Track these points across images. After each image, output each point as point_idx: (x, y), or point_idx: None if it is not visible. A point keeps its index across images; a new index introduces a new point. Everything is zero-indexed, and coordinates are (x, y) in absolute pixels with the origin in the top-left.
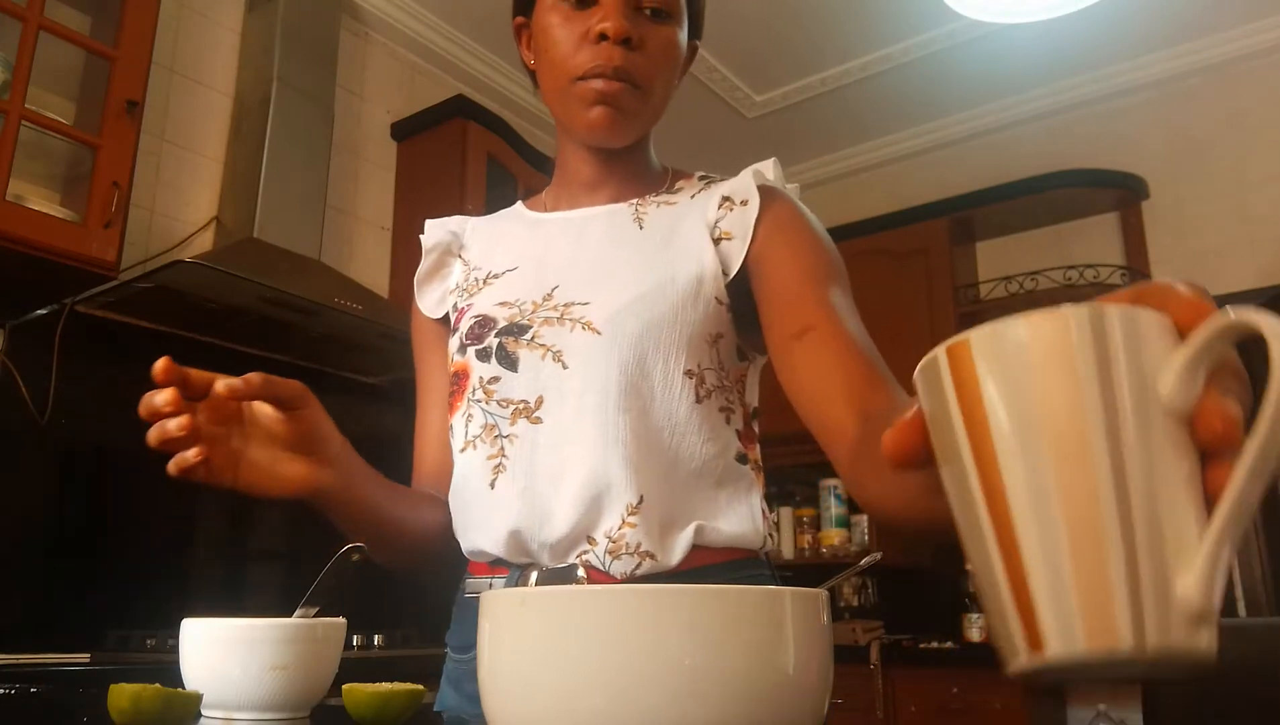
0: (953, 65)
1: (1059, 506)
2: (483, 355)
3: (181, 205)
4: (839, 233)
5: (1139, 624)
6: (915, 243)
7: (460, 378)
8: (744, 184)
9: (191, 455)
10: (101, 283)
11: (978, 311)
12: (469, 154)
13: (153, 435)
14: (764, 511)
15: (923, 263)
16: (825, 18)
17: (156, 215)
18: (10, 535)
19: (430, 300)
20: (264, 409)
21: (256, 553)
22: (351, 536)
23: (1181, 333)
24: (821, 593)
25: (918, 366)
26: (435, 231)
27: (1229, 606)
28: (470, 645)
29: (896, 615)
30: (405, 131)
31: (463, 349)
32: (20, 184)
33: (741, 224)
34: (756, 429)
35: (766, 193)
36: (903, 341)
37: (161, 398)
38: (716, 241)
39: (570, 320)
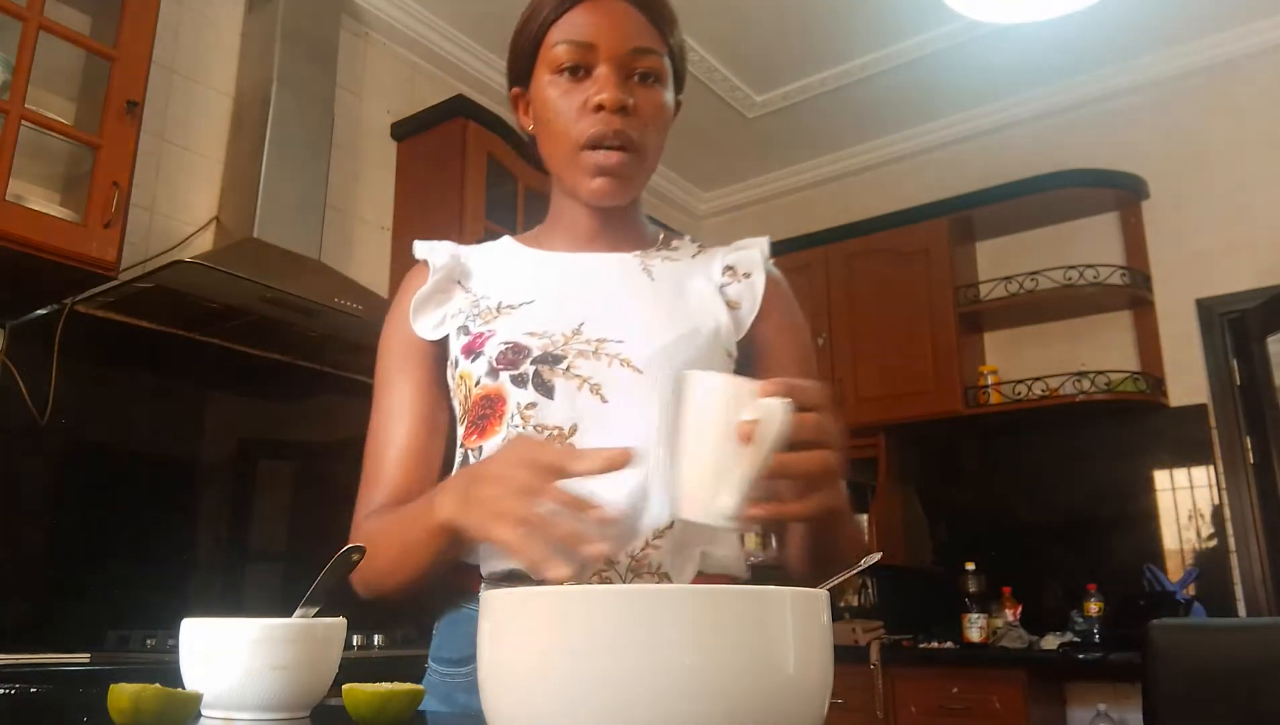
0: (953, 65)
1: (703, 452)
2: (519, 381)
3: (181, 205)
4: (839, 232)
5: (709, 510)
6: (915, 243)
7: (495, 402)
8: (749, 258)
9: None
10: (101, 283)
11: (978, 311)
12: (469, 154)
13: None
14: (742, 539)
15: (923, 263)
16: (825, 18)
17: (156, 215)
18: (10, 535)
19: (429, 321)
20: None
21: (256, 553)
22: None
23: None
24: (821, 593)
25: (679, 376)
26: (437, 254)
27: (1229, 606)
28: (469, 658)
29: (896, 615)
30: (405, 131)
31: (494, 373)
32: (20, 184)
33: (750, 296)
34: None
35: (769, 272)
36: (903, 341)
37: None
38: (726, 306)
39: (606, 356)
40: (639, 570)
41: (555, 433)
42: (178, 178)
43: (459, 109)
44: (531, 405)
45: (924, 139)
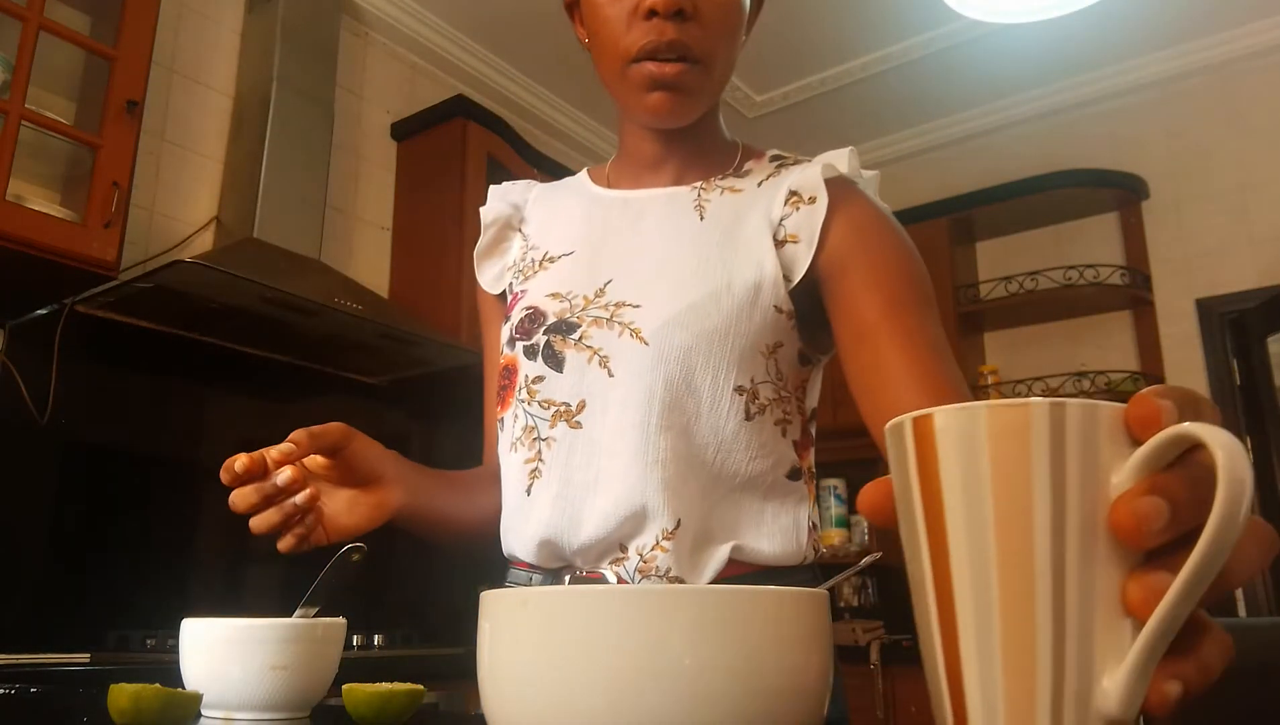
0: (953, 65)
1: (997, 606)
2: (530, 352)
3: (181, 205)
4: None
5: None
6: (915, 243)
7: (511, 373)
8: (812, 179)
9: (310, 522)
10: (101, 283)
11: (978, 311)
12: (469, 154)
13: (271, 519)
14: (810, 525)
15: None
16: (825, 18)
17: (156, 215)
18: (10, 535)
19: (489, 275)
20: (315, 460)
21: (256, 553)
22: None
23: (1139, 439)
24: (821, 593)
25: (887, 426)
26: (496, 204)
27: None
28: None
29: (896, 615)
30: (405, 131)
31: (512, 342)
32: (20, 184)
33: (808, 226)
34: (814, 431)
35: (838, 189)
36: None
37: (283, 476)
38: (781, 243)
39: (619, 324)
40: (647, 573)
41: (562, 409)
42: (178, 178)
43: (459, 109)
44: (539, 379)
45: (924, 139)
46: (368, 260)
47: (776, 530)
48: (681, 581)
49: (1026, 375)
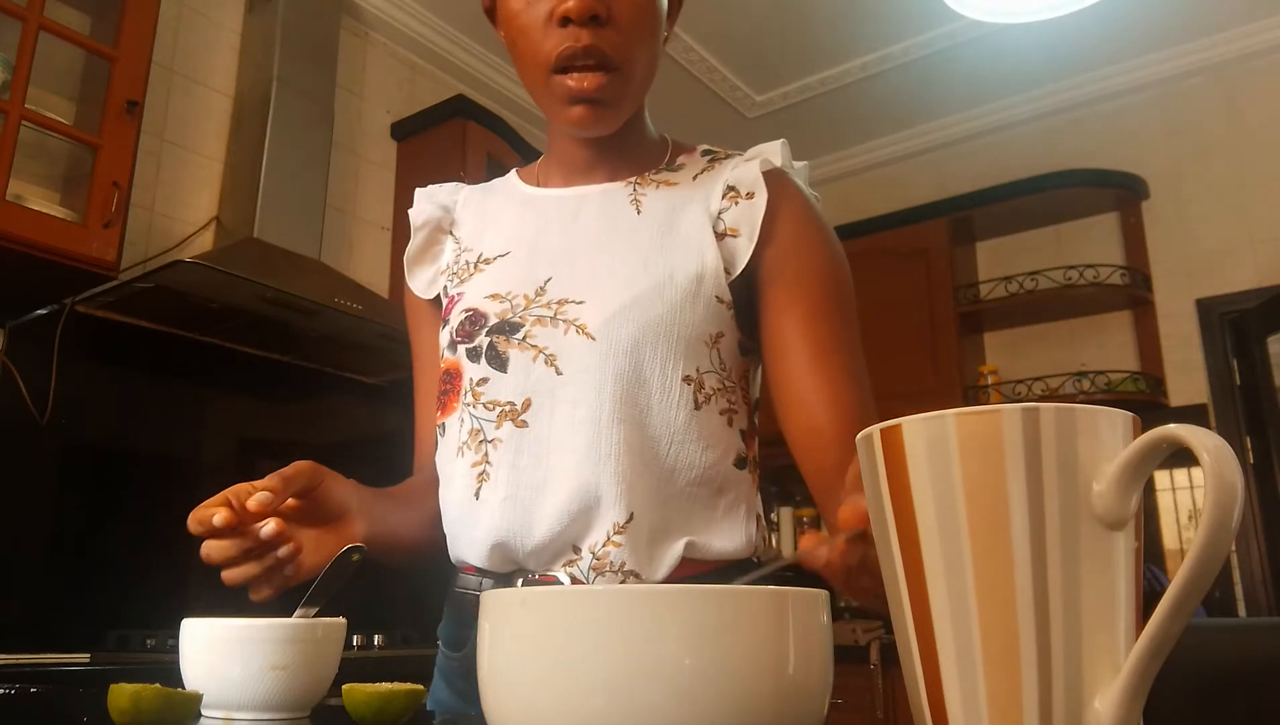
0: (953, 65)
1: (977, 622)
2: (473, 355)
3: (181, 205)
4: (839, 233)
5: None
6: (915, 243)
7: (454, 377)
8: (750, 175)
9: (290, 572)
10: (101, 283)
11: (978, 311)
12: (469, 154)
13: (250, 572)
14: (758, 516)
15: (923, 263)
16: (825, 18)
17: (156, 215)
18: (10, 535)
19: (421, 281)
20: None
21: None
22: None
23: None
24: (821, 593)
25: (857, 437)
26: (425, 207)
27: (1229, 606)
28: (460, 643)
29: None
30: (405, 131)
31: (453, 346)
32: (20, 184)
33: (748, 221)
34: (757, 421)
35: (776, 183)
36: (903, 341)
37: (268, 529)
38: (721, 236)
39: (564, 321)
40: (601, 570)
41: (507, 409)
42: (178, 178)
43: (459, 109)
44: (483, 381)
45: (924, 139)
46: (368, 260)
47: (727, 525)
48: (637, 576)
49: (1026, 375)
